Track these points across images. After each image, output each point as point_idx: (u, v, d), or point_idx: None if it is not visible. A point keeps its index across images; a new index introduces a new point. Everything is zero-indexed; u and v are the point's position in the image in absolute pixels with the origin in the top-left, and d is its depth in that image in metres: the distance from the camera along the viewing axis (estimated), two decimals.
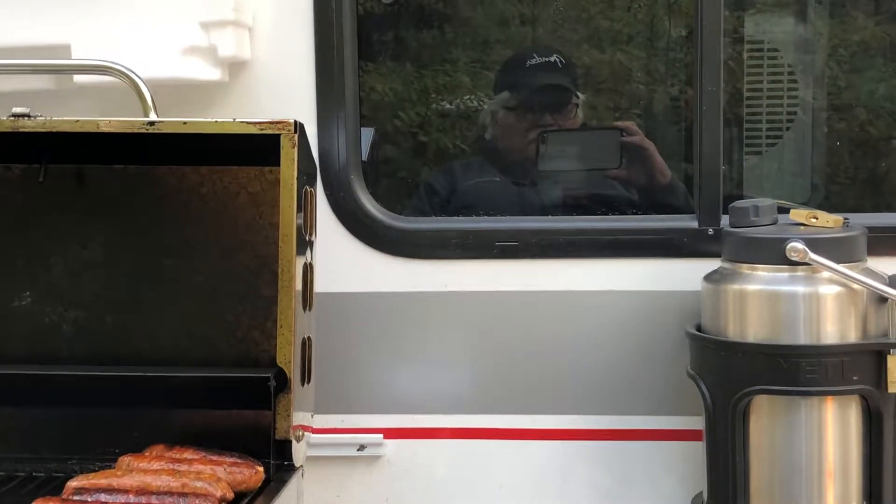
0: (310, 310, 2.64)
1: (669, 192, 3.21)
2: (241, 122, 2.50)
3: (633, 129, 3.26)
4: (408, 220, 3.02)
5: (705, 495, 2.74)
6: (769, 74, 3.37)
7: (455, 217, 3.13)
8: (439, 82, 3.85)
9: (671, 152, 3.31)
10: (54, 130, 2.49)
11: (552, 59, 3.37)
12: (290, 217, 2.49)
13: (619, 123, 3.40)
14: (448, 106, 3.86)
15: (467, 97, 3.82)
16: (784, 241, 2.56)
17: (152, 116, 2.57)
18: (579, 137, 3.36)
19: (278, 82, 2.94)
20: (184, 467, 2.40)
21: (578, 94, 3.41)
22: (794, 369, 2.54)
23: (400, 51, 3.70)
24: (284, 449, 2.53)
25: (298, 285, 2.52)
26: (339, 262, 2.95)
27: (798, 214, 2.71)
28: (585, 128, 3.40)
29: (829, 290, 2.57)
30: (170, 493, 2.27)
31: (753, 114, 3.37)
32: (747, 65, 3.34)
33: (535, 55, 3.41)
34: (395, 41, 3.71)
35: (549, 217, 3.14)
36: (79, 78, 2.77)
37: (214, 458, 2.44)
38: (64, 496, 2.29)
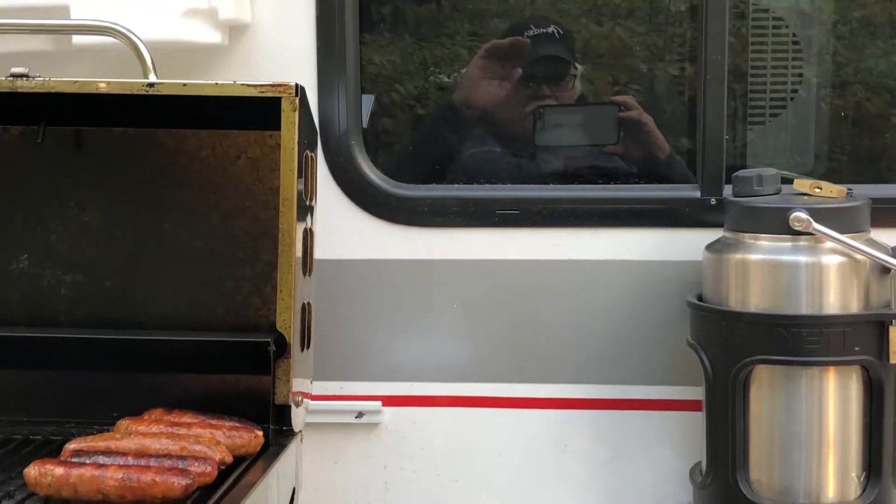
0: (309, 275, 2.62)
1: (667, 167, 3.19)
2: (242, 84, 2.48)
3: (631, 104, 3.24)
4: (408, 188, 3.00)
5: (704, 465, 2.75)
6: (773, 45, 3.35)
7: (455, 185, 3.11)
8: (437, 55, 3.81)
9: (671, 127, 3.28)
10: (53, 91, 2.46)
11: (550, 30, 3.34)
12: (290, 181, 2.47)
13: (616, 98, 3.37)
14: (446, 79, 3.83)
15: (465, 70, 3.78)
16: (787, 210, 2.56)
17: (152, 78, 2.54)
18: (576, 112, 3.33)
19: (279, 46, 2.91)
20: (183, 431, 2.38)
21: (576, 65, 3.38)
22: (796, 339, 2.54)
23: (398, 23, 3.66)
24: (284, 414, 2.52)
25: (298, 251, 2.51)
26: (339, 228, 2.93)
27: (801, 184, 2.71)
28: (582, 103, 3.37)
29: (831, 261, 2.57)
30: (168, 456, 2.25)
31: (757, 84, 3.35)
32: (751, 34, 3.31)
33: (532, 26, 3.38)
34: (393, 13, 3.68)
35: (551, 185, 3.12)
36: (77, 39, 2.73)
37: (214, 422, 2.43)
38: (62, 458, 2.27)
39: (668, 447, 2.98)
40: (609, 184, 3.11)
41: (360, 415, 3.00)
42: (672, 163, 3.20)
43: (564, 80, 3.32)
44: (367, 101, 3.23)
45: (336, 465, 3.04)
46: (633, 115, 3.21)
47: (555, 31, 3.33)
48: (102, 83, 2.46)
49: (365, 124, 3.11)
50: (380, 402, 2.99)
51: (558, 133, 3.29)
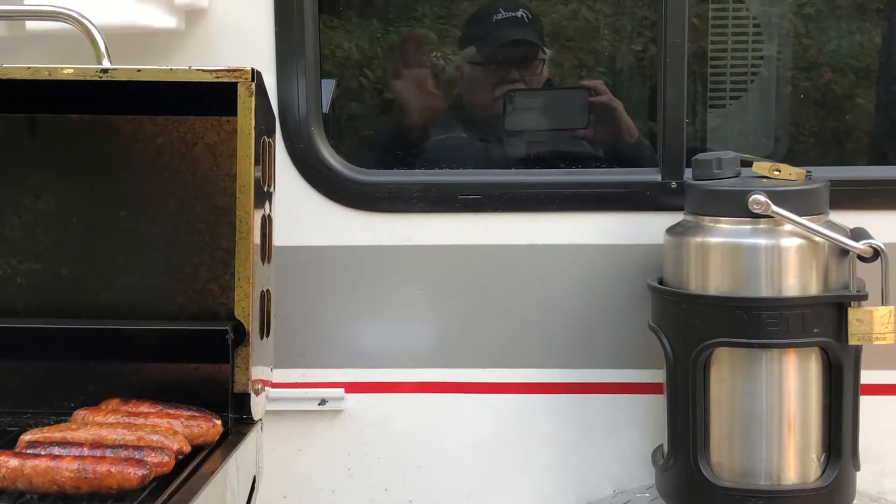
0: (268, 262, 2.60)
1: (637, 152, 3.20)
2: (197, 69, 2.45)
3: (601, 88, 3.24)
4: (369, 173, 2.98)
5: (665, 448, 2.75)
6: (734, 27, 3.36)
7: (417, 170, 3.09)
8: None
9: (637, 110, 3.29)
10: (6, 78, 2.43)
11: (518, 13, 3.33)
12: (247, 167, 2.44)
13: (586, 82, 3.37)
14: None
15: (434, 54, 3.77)
16: (746, 193, 2.56)
17: (106, 64, 2.51)
18: (546, 97, 3.33)
19: (236, 31, 2.88)
20: (140, 420, 2.36)
21: (545, 49, 3.38)
22: (756, 321, 2.54)
23: (365, 6, 3.64)
24: (243, 402, 2.49)
25: (257, 238, 2.49)
26: (299, 214, 2.91)
27: (761, 167, 2.71)
28: (553, 87, 3.37)
29: (790, 243, 2.57)
30: (125, 447, 2.23)
31: (717, 67, 3.36)
32: (712, 16, 3.31)
33: (501, 10, 3.37)
34: None
35: (513, 170, 3.12)
36: (31, 25, 2.70)
37: (171, 411, 2.41)
38: (17, 449, 2.25)
39: (633, 430, 2.98)
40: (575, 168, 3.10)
41: (322, 402, 2.98)
42: (641, 147, 3.20)
43: (533, 63, 3.31)
44: (329, 86, 3.21)
45: (299, 453, 3.02)
46: (602, 99, 3.21)
47: (523, 14, 3.33)
48: (55, 69, 2.43)
49: (325, 109, 3.09)
50: (342, 389, 2.98)
51: (528, 117, 3.28)
